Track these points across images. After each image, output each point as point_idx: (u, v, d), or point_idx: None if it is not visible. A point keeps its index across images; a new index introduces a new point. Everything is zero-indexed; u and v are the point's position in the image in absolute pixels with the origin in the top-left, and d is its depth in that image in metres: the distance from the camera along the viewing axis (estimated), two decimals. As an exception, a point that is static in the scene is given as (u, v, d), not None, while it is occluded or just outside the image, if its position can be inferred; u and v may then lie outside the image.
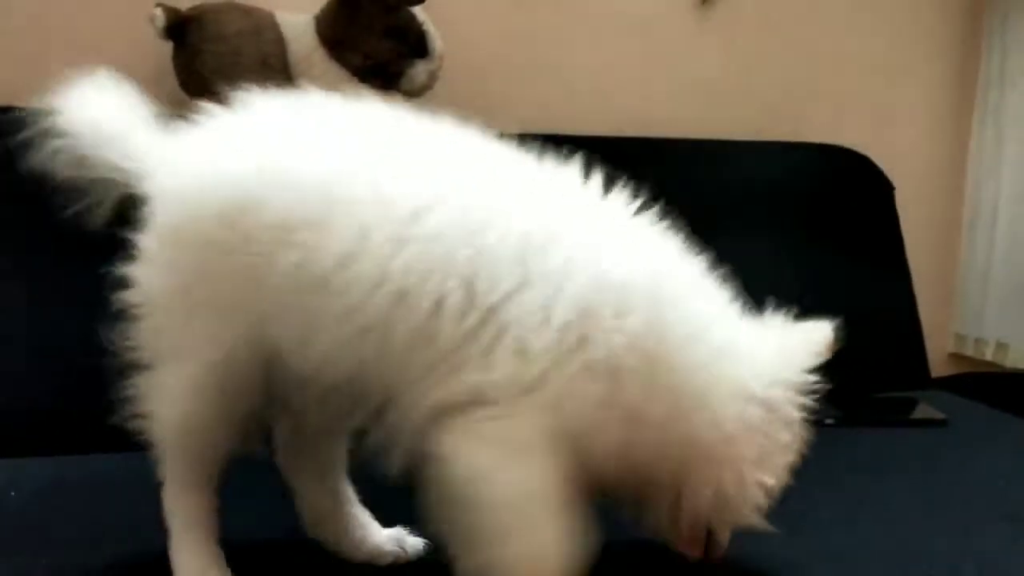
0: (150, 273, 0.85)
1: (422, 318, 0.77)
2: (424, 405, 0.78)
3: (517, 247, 0.79)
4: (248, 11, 1.44)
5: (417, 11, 1.49)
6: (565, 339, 0.77)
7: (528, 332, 0.77)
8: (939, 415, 1.46)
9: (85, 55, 1.44)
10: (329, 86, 1.45)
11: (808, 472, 0.89)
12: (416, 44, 1.50)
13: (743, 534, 0.89)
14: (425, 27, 1.51)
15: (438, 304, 0.77)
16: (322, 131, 0.86)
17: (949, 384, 1.75)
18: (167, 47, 1.43)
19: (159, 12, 1.39)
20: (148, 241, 0.86)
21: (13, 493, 1.09)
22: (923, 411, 1.50)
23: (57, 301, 1.32)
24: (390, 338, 0.78)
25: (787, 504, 0.88)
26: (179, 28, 1.40)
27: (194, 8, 1.42)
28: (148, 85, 1.45)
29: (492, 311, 0.77)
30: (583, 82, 1.78)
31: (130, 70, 1.46)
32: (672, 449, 0.82)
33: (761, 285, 1.65)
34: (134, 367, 0.86)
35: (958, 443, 1.38)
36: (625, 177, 1.02)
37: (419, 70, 1.51)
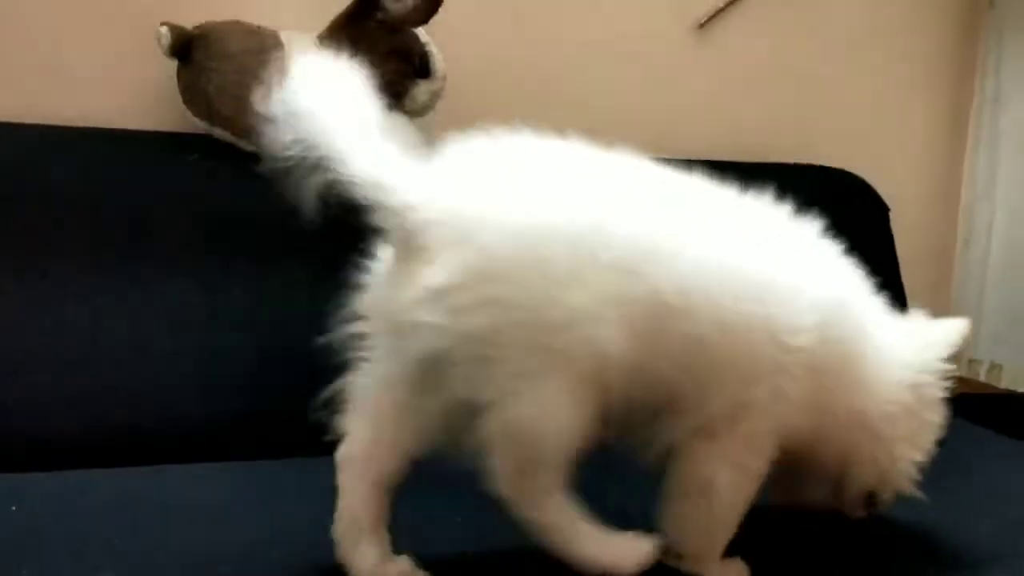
0: (469, 311, 0.84)
1: (730, 347, 0.91)
2: (695, 418, 0.93)
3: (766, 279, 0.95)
4: (253, 30, 1.45)
5: (420, 32, 1.51)
6: (795, 352, 0.94)
7: (778, 350, 0.93)
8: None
9: (89, 72, 1.49)
10: (332, 105, 1.48)
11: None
12: (419, 64, 1.52)
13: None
14: (428, 48, 1.53)
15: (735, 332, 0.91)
16: (603, 178, 0.96)
17: (943, 405, 1.76)
18: (171, 65, 1.45)
19: (164, 30, 1.40)
20: (443, 278, 0.84)
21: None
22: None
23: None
24: (699, 362, 0.91)
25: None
26: (184, 46, 1.41)
27: (199, 27, 1.43)
28: (152, 103, 1.51)
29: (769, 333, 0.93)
30: (580, 103, 1.79)
31: (134, 87, 1.51)
32: (847, 432, 1.01)
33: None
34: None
35: (951, 464, 1.39)
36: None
37: (422, 90, 1.52)
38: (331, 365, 0.95)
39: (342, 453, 0.96)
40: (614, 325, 0.86)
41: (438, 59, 1.54)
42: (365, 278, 0.95)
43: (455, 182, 0.89)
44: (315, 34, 1.50)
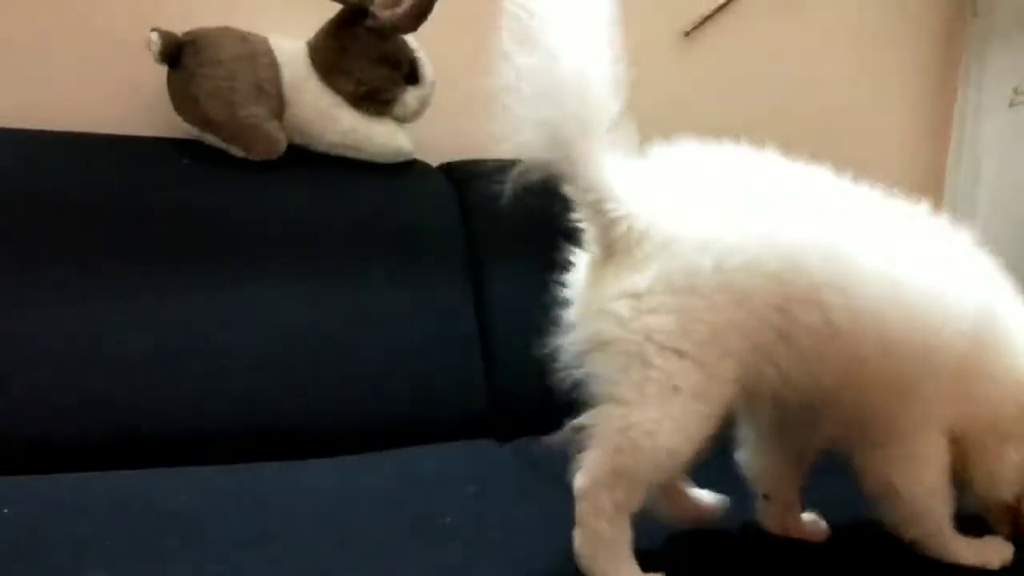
0: (656, 313, 0.90)
1: (890, 364, 0.97)
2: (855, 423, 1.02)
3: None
4: (243, 37, 1.46)
5: (409, 39, 1.53)
6: (949, 361, 1.01)
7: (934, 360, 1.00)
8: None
9: (80, 77, 1.49)
10: (322, 111, 1.50)
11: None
12: (408, 71, 1.53)
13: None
14: (417, 54, 1.54)
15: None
16: (799, 195, 1.00)
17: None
18: (161, 70, 1.45)
19: (155, 36, 1.41)
20: (645, 283, 0.91)
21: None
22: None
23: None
24: (859, 376, 0.97)
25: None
26: (175, 52, 1.42)
27: (190, 33, 1.44)
28: (142, 108, 1.51)
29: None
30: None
31: (124, 92, 1.51)
32: (990, 435, 1.06)
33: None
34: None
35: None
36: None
37: (411, 96, 1.54)
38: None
39: None
40: (780, 356, 0.93)
41: (427, 65, 1.55)
42: (568, 282, 1.02)
43: (662, 198, 0.95)
44: (305, 40, 1.51)
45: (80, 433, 1.25)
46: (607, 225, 0.93)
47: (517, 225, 1.58)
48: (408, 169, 1.56)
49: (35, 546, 0.99)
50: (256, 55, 1.45)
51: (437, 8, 1.47)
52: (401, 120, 1.55)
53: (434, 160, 1.63)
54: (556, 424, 1.45)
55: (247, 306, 1.38)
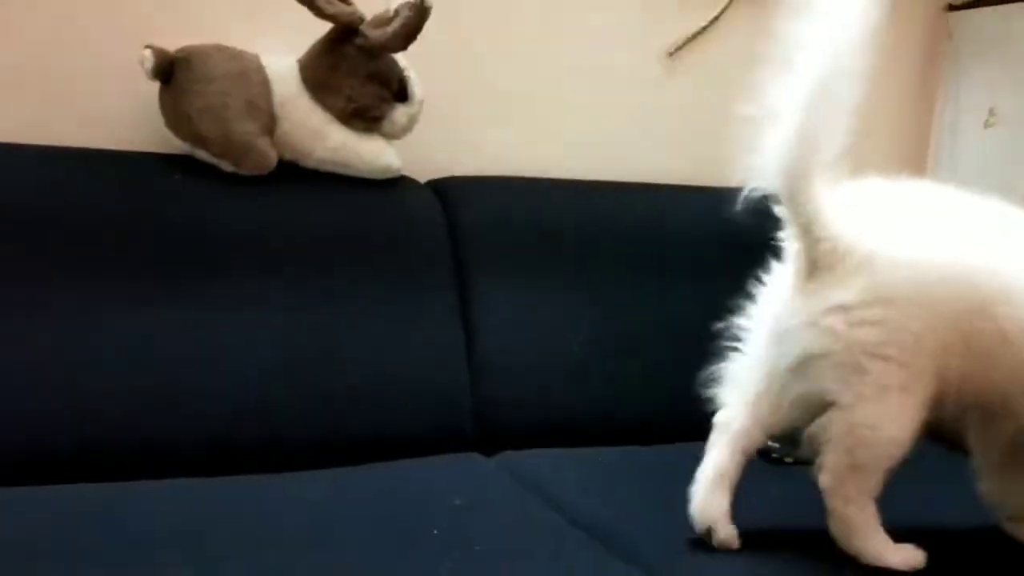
0: (866, 325, 1.06)
1: None
2: None
3: None
4: (235, 54, 1.48)
5: (399, 57, 1.55)
6: None
7: None
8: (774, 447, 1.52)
9: (72, 92, 1.51)
10: (312, 128, 1.53)
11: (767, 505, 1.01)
12: (398, 89, 1.55)
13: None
14: (406, 73, 1.57)
15: None
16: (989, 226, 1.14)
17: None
18: (152, 86, 1.47)
19: (148, 53, 1.42)
20: (851, 297, 1.06)
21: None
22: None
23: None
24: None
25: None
26: (168, 69, 1.44)
27: (182, 50, 1.46)
28: (134, 123, 1.53)
29: None
30: (554, 127, 1.84)
31: (116, 108, 1.53)
32: None
33: (703, 326, 1.72)
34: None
35: (910, 479, 1.44)
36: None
37: (400, 114, 1.56)
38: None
39: (721, 418, 1.18)
40: (961, 355, 1.07)
41: (416, 84, 1.57)
42: (761, 290, 1.18)
43: (863, 222, 1.09)
44: (296, 58, 1.53)
45: (73, 445, 1.27)
46: (814, 243, 1.08)
47: (503, 241, 1.62)
48: (396, 185, 1.58)
49: (30, 558, 1.01)
50: (248, 72, 1.47)
51: (426, 28, 1.49)
52: (390, 137, 1.57)
53: (421, 176, 1.65)
54: (540, 438, 1.49)
55: (236, 319, 1.40)
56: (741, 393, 1.17)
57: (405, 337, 1.49)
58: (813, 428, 1.12)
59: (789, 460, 1.48)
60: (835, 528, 1.12)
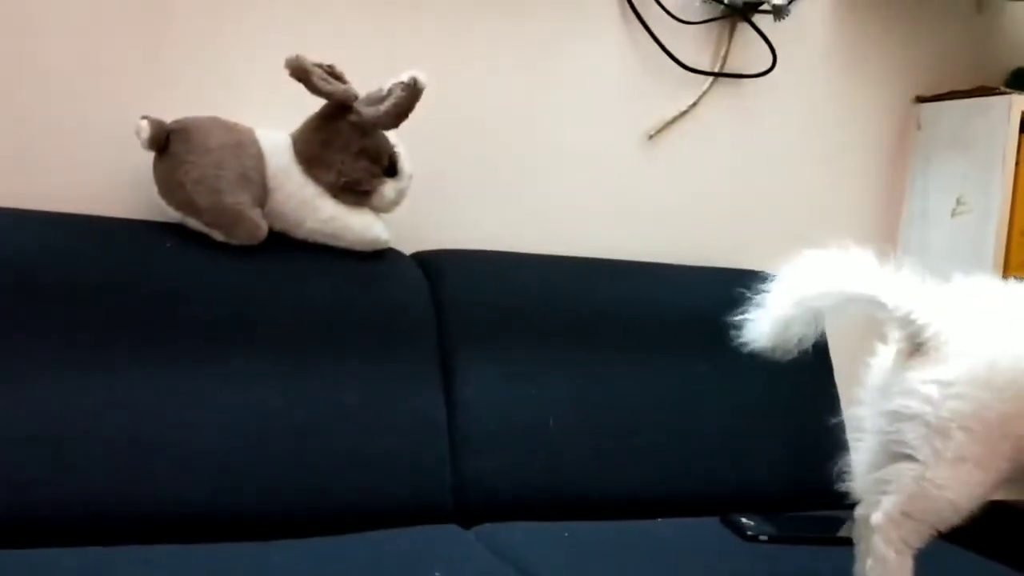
0: (960, 399, 1.18)
1: None
2: None
3: None
4: (230, 127, 1.52)
5: (390, 134, 1.59)
6: None
7: None
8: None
9: (67, 158, 1.53)
10: (303, 200, 1.56)
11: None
12: (388, 164, 1.59)
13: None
14: (396, 148, 1.61)
15: None
16: None
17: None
18: (145, 155, 1.50)
19: (145, 123, 1.45)
20: (952, 375, 1.18)
21: None
22: (848, 529, 1.58)
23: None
24: None
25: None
26: (163, 139, 1.47)
27: (179, 121, 1.49)
28: (126, 191, 1.56)
29: None
30: (537, 206, 1.88)
31: (109, 175, 1.56)
32: None
33: (696, 404, 1.75)
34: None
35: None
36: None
37: (389, 188, 1.60)
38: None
39: (859, 511, 1.30)
40: None
41: (406, 159, 1.61)
42: (868, 372, 1.30)
43: (961, 311, 1.24)
44: (288, 132, 1.57)
45: (53, 510, 1.27)
46: (916, 331, 1.21)
47: (487, 314, 1.64)
48: (383, 257, 1.61)
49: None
50: (243, 144, 1.51)
51: (417, 107, 1.54)
52: (379, 210, 1.60)
53: (407, 249, 1.68)
54: (518, 511, 1.50)
55: (220, 389, 1.41)
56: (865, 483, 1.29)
57: (387, 409, 1.50)
58: (880, 474, 1.23)
59: (763, 538, 1.50)
60: (870, 567, 1.22)
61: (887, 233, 2.22)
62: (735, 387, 1.75)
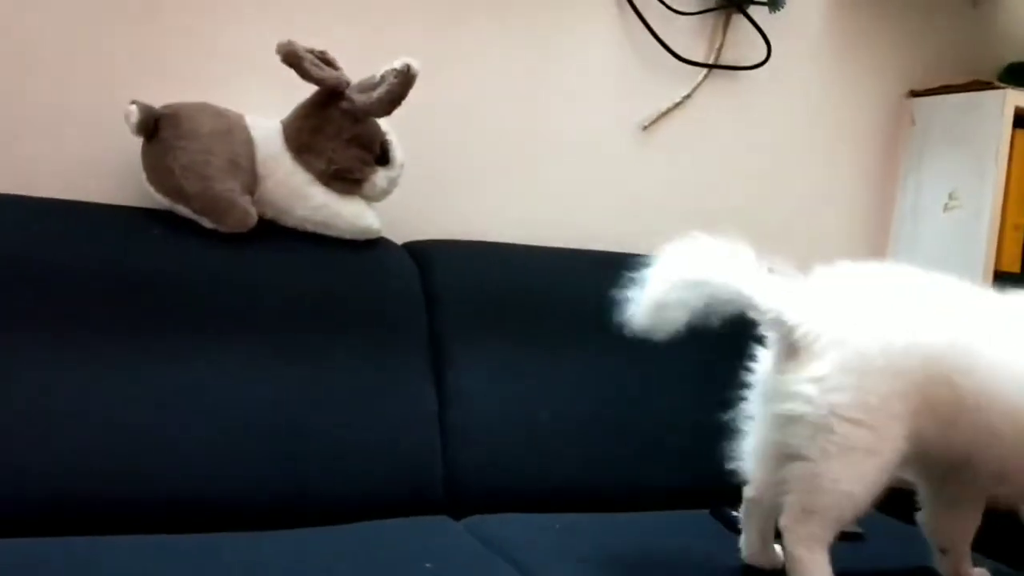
0: (836, 392, 1.18)
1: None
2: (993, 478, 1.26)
3: None
4: (220, 113, 1.50)
5: (382, 122, 1.58)
6: None
7: None
8: (857, 529, 1.54)
9: (55, 143, 1.52)
10: (293, 188, 1.54)
11: None
12: (379, 152, 1.58)
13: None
14: (388, 137, 1.59)
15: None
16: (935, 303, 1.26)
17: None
18: (135, 141, 1.48)
19: (134, 108, 1.44)
20: (826, 369, 1.19)
21: None
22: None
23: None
24: (998, 434, 1.20)
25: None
26: (153, 125, 1.45)
27: (168, 106, 1.47)
28: (114, 177, 1.54)
29: None
30: (531, 197, 1.87)
31: (97, 161, 1.54)
32: None
33: (689, 397, 1.74)
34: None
35: (874, 556, 1.46)
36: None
37: (380, 177, 1.58)
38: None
39: (747, 493, 1.33)
40: (921, 420, 1.19)
41: (397, 148, 1.60)
42: (753, 369, 1.30)
43: (834, 305, 1.23)
44: (279, 119, 1.56)
45: (39, 499, 1.25)
46: (788, 332, 1.21)
47: (479, 305, 1.63)
48: (374, 247, 1.60)
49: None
50: (233, 131, 1.49)
51: (409, 96, 1.52)
52: (370, 199, 1.59)
53: (398, 238, 1.67)
54: (509, 503, 1.49)
55: (210, 377, 1.40)
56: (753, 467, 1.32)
57: (378, 399, 1.49)
58: (777, 476, 1.24)
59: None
60: (788, 566, 1.24)
61: (879, 227, 2.22)
62: (727, 380, 1.74)
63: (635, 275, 1.26)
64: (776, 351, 1.25)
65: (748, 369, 1.31)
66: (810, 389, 1.19)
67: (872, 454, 1.19)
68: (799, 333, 1.21)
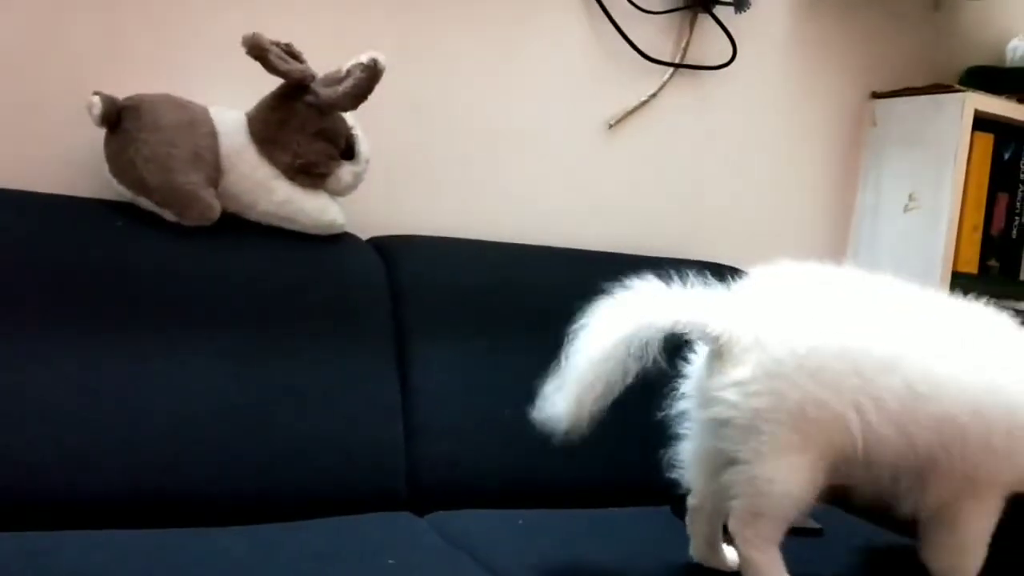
0: (758, 395, 1.20)
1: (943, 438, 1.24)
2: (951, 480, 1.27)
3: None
4: (183, 105, 1.48)
5: (347, 116, 1.57)
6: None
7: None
8: (815, 525, 1.56)
9: (15, 134, 1.49)
10: (257, 181, 1.53)
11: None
12: (345, 147, 1.57)
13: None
14: (354, 131, 1.58)
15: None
16: (860, 303, 1.27)
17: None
18: (97, 132, 1.46)
19: (97, 99, 1.42)
20: (747, 373, 1.20)
21: None
22: (801, 520, 1.60)
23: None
24: (916, 442, 1.22)
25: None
26: (115, 116, 1.43)
27: (131, 98, 1.45)
28: (76, 169, 1.52)
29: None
30: (496, 193, 1.87)
31: (58, 152, 1.52)
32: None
33: (651, 394, 1.75)
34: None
35: (833, 552, 1.48)
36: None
37: (346, 171, 1.57)
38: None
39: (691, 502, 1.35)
40: (857, 420, 1.19)
41: (363, 142, 1.59)
42: (688, 373, 1.31)
43: (754, 309, 1.25)
44: (243, 111, 1.54)
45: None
46: (710, 340, 1.23)
47: (444, 301, 1.63)
48: (338, 241, 1.59)
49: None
50: (196, 123, 1.47)
51: (376, 89, 1.52)
52: (335, 194, 1.58)
53: (364, 233, 1.66)
54: (472, 499, 1.49)
55: (171, 370, 1.38)
56: (693, 475, 1.34)
57: (341, 394, 1.49)
58: (721, 481, 1.25)
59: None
60: (743, 569, 1.25)
61: (839, 227, 2.24)
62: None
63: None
64: (709, 353, 1.27)
65: (680, 376, 1.32)
66: (733, 393, 1.21)
67: (804, 453, 1.21)
68: (723, 340, 1.22)
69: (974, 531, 1.31)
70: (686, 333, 1.24)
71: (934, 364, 1.23)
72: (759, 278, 1.31)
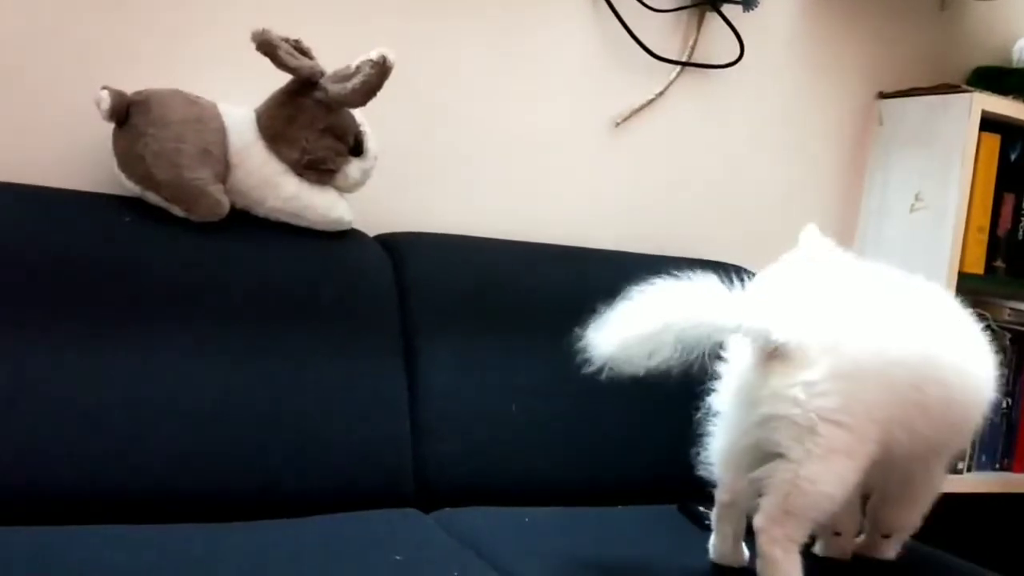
0: (825, 395, 1.21)
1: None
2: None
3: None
4: (192, 100, 1.48)
5: (356, 112, 1.57)
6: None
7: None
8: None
9: (23, 128, 1.49)
10: (265, 177, 1.53)
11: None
12: (353, 143, 1.57)
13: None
14: (362, 128, 1.58)
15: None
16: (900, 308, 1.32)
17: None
18: (106, 127, 1.46)
19: (105, 94, 1.42)
20: (817, 375, 1.21)
21: None
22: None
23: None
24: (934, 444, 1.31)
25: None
26: (124, 111, 1.43)
27: (140, 93, 1.45)
28: (85, 163, 1.52)
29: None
30: (503, 189, 1.87)
31: (68, 147, 1.52)
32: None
33: (659, 392, 1.74)
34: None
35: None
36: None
37: (354, 168, 1.57)
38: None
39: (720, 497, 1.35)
40: (900, 426, 1.24)
41: (372, 139, 1.59)
42: (723, 373, 1.31)
43: (817, 314, 1.26)
44: (253, 107, 1.54)
45: (9, 488, 1.24)
46: (770, 343, 1.22)
47: (450, 298, 1.63)
48: (345, 238, 1.59)
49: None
50: (204, 119, 1.47)
51: (385, 86, 1.52)
52: (343, 190, 1.58)
53: (371, 230, 1.66)
54: (479, 496, 1.50)
55: (178, 366, 1.38)
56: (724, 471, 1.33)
57: (348, 391, 1.49)
58: (756, 473, 1.25)
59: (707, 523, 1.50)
60: (760, 568, 1.24)
61: (845, 226, 2.24)
62: (700, 376, 1.75)
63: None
64: (755, 353, 1.26)
65: (716, 370, 1.31)
66: (799, 392, 1.21)
67: (851, 456, 1.22)
68: (790, 344, 1.22)
69: (931, 490, 1.41)
70: (744, 337, 1.25)
71: (967, 368, 1.30)
72: (788, 273, 1.35)
